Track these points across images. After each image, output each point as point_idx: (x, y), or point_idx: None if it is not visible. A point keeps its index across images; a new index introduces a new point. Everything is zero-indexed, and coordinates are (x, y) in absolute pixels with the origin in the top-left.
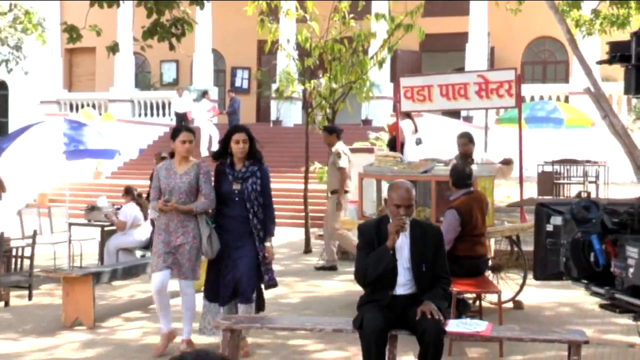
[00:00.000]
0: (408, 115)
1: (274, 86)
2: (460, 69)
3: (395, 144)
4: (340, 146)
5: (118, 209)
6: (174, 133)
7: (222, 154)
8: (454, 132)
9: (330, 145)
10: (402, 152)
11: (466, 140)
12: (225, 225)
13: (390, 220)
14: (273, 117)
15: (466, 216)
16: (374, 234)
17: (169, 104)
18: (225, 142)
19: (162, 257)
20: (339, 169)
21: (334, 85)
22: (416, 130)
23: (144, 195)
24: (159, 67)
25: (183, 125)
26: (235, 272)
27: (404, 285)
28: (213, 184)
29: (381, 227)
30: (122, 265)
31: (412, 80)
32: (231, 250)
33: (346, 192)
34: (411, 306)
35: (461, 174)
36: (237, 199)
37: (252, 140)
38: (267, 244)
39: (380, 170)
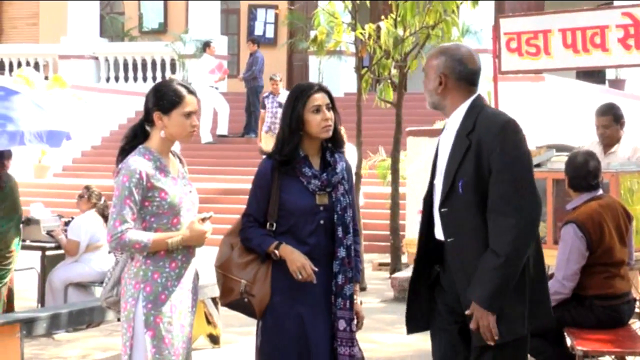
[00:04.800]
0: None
1: (313, 34)
2: (607, 3)
3: None
4: None
5: (68, 222)
6: (164, 99)
7: (291, 140)
8: (596, 103)
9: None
10: None
11: (608, 119)
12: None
13: None
14: (313, 81)
15: (594, 234)
16: None
17: (153, 62)
18: (290, 116)
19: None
20: None
21: (401, 33)
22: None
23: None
24: (138, 6)
25: (178, 81)
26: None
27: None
28: (255, 192)
29: None
30: (70, 309)
31: (518, 22)
32: (305, 322)
33: None
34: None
35: (581, 169)
36: (321, 221)
37: (335, 109)
38: (358, 300)
39: None
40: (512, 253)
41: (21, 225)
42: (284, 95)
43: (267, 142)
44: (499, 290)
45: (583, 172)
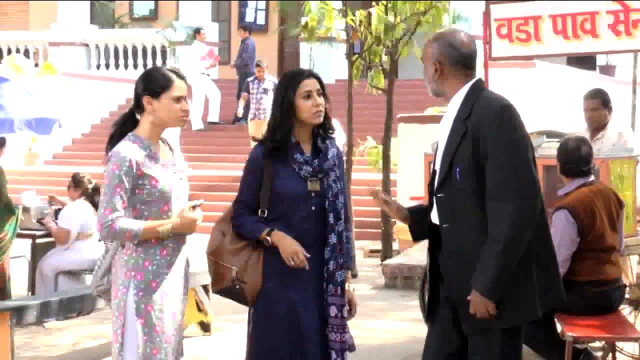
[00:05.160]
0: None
1: (304, 21)
2: None
3: None
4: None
5: (58, 209)
6: (153, 83)
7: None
8: (587, 89)
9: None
10: None
11: (596, 102)
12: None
13: None
14: (304, 67)
15: (586, 219)
16: None
17: (143, 49)
18: (281, 102)
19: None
20: None
21: (392, 19)
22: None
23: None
24: None
25: (168, 67)
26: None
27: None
28: (247, 178)
29: None
30: (60, 297)
31: (508, 8)
32: (297, 308)
33: None
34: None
35: (572, 155)
36: (313, 207)
37: (326, 96)
38: (349, 287)
39: None
40: (511, 239)
41: (19, 213)
42: (268, 81)
43: (253, 128)
44: (499, 277)
45: (575, 158)
